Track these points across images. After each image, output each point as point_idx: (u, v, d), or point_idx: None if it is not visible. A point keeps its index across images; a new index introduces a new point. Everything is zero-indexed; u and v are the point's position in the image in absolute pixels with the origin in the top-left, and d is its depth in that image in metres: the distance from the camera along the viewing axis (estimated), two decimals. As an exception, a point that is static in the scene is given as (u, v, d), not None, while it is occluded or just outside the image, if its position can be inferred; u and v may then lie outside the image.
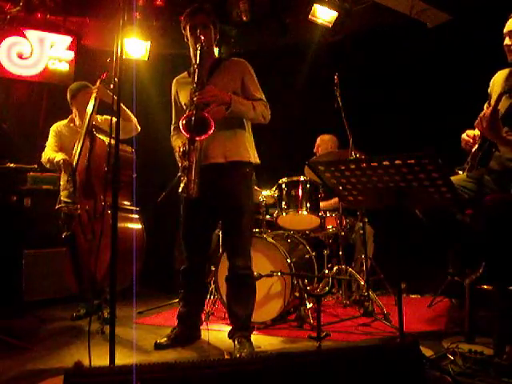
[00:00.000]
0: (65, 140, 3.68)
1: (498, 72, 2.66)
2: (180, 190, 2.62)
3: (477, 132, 2.60)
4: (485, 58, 2.57)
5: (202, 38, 2.64)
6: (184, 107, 2.77)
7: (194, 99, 2.54)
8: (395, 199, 2.00)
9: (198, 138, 2.53)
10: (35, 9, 4.49)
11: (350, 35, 5.11)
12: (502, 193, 2.45)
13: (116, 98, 1.96)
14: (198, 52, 2.61)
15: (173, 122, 2.95)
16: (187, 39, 2.78)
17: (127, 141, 3.39)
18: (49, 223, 3.94)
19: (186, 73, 2.90)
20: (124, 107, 3.41)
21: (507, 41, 2.52)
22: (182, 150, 2.59)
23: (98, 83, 3.34)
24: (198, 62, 2.61)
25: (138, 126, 3.58)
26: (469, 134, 2.64)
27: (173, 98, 2.92)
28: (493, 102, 2.31)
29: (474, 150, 2.57)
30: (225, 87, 2.68)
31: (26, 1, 4.43)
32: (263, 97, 2.78)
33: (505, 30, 2.55)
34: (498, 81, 2.64)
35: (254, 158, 2.79)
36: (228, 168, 2.67)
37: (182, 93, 2.83)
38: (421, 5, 4.46)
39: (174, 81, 2.93)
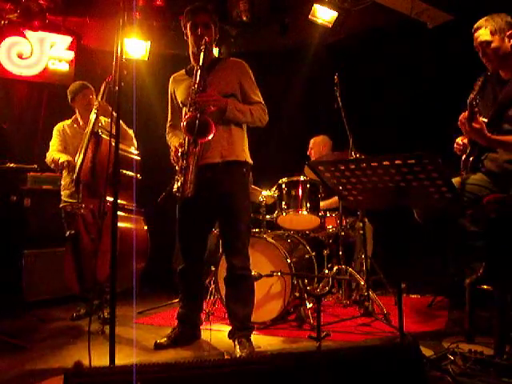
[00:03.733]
0: (68, 140, 3.69)
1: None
2: (174, 189, 2.62)
3: (464, 140, 2.61)
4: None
5: (207, 38, 2.61)
6: (180, 105, 2.76)
7: (196, 100, 2.53)
8: (395, 199, 2.00)
9: (200, 141, 2.53)
10: (34, 15, 4.49)
11: (350, 35, 5.11)
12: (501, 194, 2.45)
13: (117, 101, 1.98)
14: (202, 53, 2.58)
15: (169, 119, 2.94)
16: (187, 37, 2.75)
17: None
18: (49, 223, 3.95)
19: (183, 71, 2.87)
20: (122, 124, 3.40)
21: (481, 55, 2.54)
22: (180, 151, 2.59)
23: (102, 87, 3.34)
24: (201, 63, 2.58)
25: (135, 142, 3.56)
26: (458, 142, 2.64)
27: (169, 95, 2.91)
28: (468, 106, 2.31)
29: (464, 157, 2.58)
30: (222, 88, 2.67)
31: (24, 6, 4.43)
32: (261, 99, 2.76)
33: (475, 43, 2.55)
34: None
35: (249, 158, 2.79)
36: (224, 167, 2.66)
37: (178, 90, 2.82)
38: (421, 5, 4.46)
39: (172, 78, 2.91)
